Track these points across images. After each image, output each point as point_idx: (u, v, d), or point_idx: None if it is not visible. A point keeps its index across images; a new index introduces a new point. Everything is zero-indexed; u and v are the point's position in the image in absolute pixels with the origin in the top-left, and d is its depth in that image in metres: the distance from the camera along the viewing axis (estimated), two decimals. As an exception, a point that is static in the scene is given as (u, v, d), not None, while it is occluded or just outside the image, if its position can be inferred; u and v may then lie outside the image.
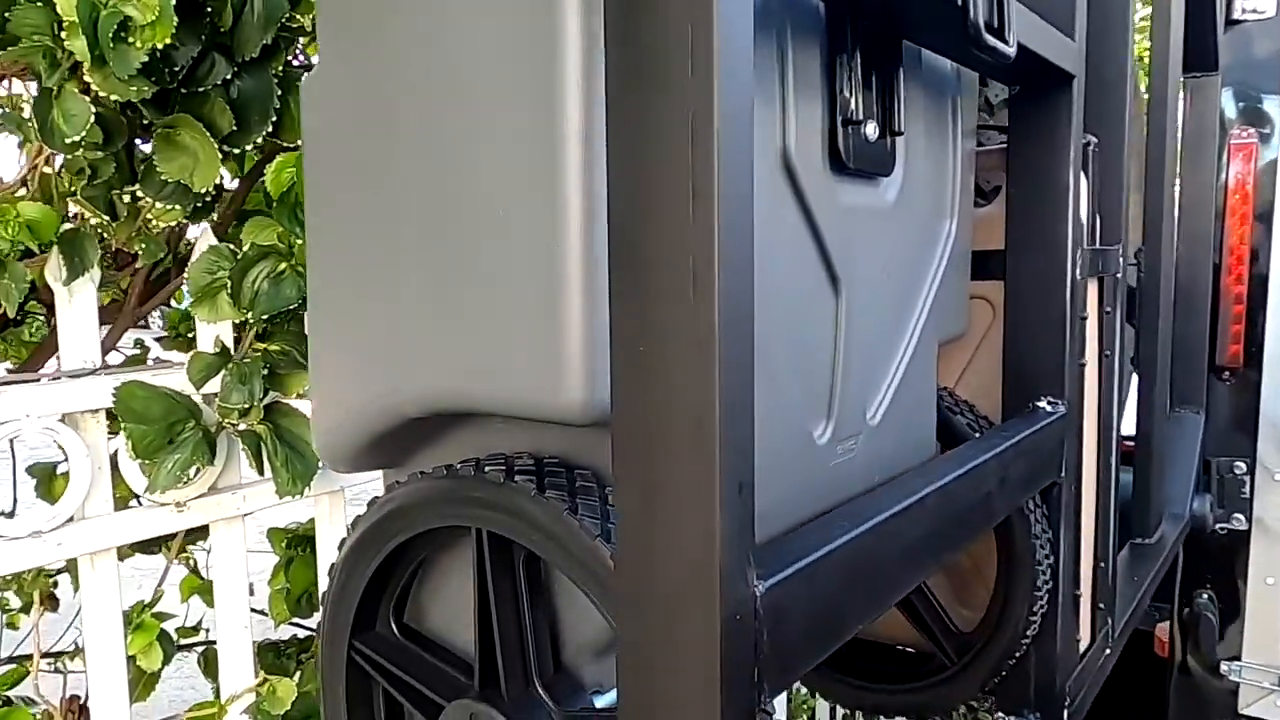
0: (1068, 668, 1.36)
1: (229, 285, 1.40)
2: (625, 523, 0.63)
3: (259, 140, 1.38)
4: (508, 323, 0.76)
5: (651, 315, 0.61)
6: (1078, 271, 1.28)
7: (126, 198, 1.41)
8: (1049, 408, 1.27)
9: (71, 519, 1.38)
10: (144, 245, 1.40)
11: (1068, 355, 1.27)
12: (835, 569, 0.73)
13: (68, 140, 1.16)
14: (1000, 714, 1.33)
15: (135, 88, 1.18)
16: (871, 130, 0.97)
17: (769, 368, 0.87)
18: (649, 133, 0.60)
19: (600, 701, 0.87)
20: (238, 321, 1.48)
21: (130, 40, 1.14)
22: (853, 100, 0.93)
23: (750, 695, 0.63)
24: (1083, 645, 1.46)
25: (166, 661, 1.52)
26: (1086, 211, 1.33)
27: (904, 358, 1.12)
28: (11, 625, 1.70)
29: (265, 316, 1.41)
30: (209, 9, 1.29)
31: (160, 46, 1.16)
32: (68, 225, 1.36)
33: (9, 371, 1.68)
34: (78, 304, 1.42)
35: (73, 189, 1.35)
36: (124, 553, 1.62)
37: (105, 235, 1.41)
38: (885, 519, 0.80)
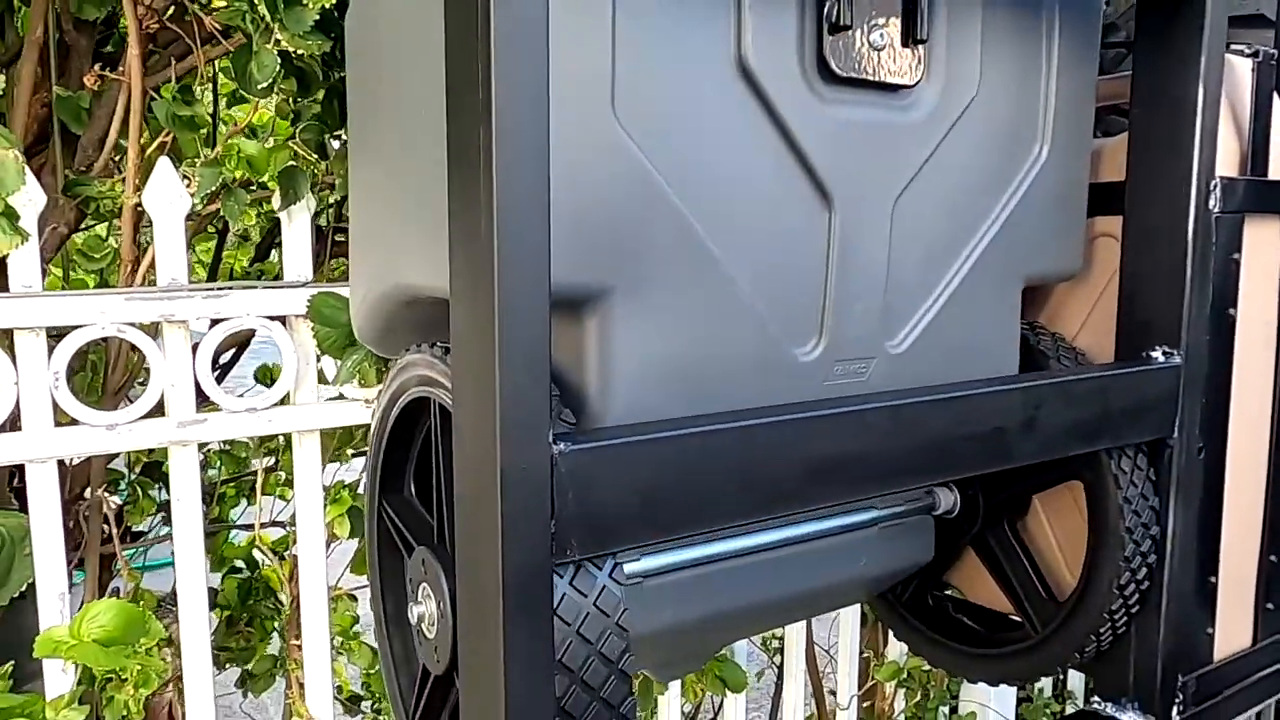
0: (1188, 661, 1.19)
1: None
2: (454, 381, 0.70)
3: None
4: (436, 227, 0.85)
5: (464, 203, 0.68)
6: (1211, 204, 1.11)
7: (335, 142, 1.68)
8: (1161, 357, 1.12)
9: (283, 402, 1.68)
10: (341, 178, 1.66)
11: (1189, 300, 1.11)
12: (685, 457, 0.75)
13: (259, 86, 1.42)
14: (1096, 699, 1.21)
15: (312, 42, 1.41)
16: (879, 38, 0.93)
17: (723, 274, 0.89)
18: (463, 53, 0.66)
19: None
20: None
21: (304, 2, 1.37)
22: (840, 2, 0.90)
23: (543, 545, 0.68)
24: (1234, 644, 1.27)
25: (354, 534, 1.80)
26: (1237, 135, 1.14)
27: (949, 288, 1.05)
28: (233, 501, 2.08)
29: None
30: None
31: (329, 5, 1.38)
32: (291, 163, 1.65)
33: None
34: (295, 228, 1.70)
35: (291, 133, 1.63)
36: (345, 456, 1.93)
37: (316, 172, 1.68)
38: (769, 423, 0.79)
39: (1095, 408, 1.04)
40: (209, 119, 1.47)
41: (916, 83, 0.98)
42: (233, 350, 2.13)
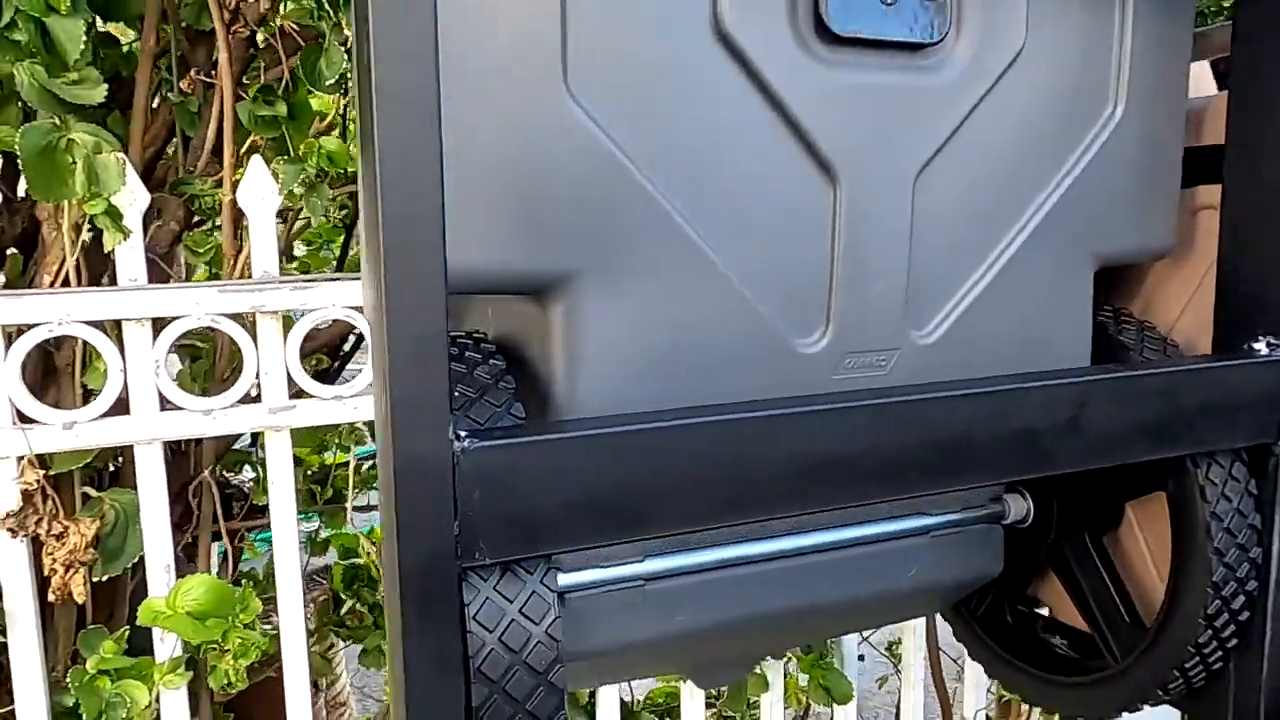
0: (1306, 705, 1.01)
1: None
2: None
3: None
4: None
5: (363, 182, 0.65)
6: (1329, 168, 0.93)
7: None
8: (1266, 350, 0.95)
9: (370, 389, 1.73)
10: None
11: (1300, 281, 0.94)
12: (622, 455, 0.69)
13: (327, 82, 1.46)
14: (1191, 740, 1.05)
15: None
16: (887, -9, 0.83)
17: (706, 258, 0.82)
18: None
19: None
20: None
21: None
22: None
23: (445, 545, 0.64)
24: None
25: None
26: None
27: (992, 270, 0.93)
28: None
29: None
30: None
31: None
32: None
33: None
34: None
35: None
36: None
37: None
38: (725, 421, 0.72)
39: (1168, 407, 0.90)
40: (289, 118, 1.53)
41: (941, 39, 0.87)
42: (355, 338, 2.22)
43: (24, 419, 1.32)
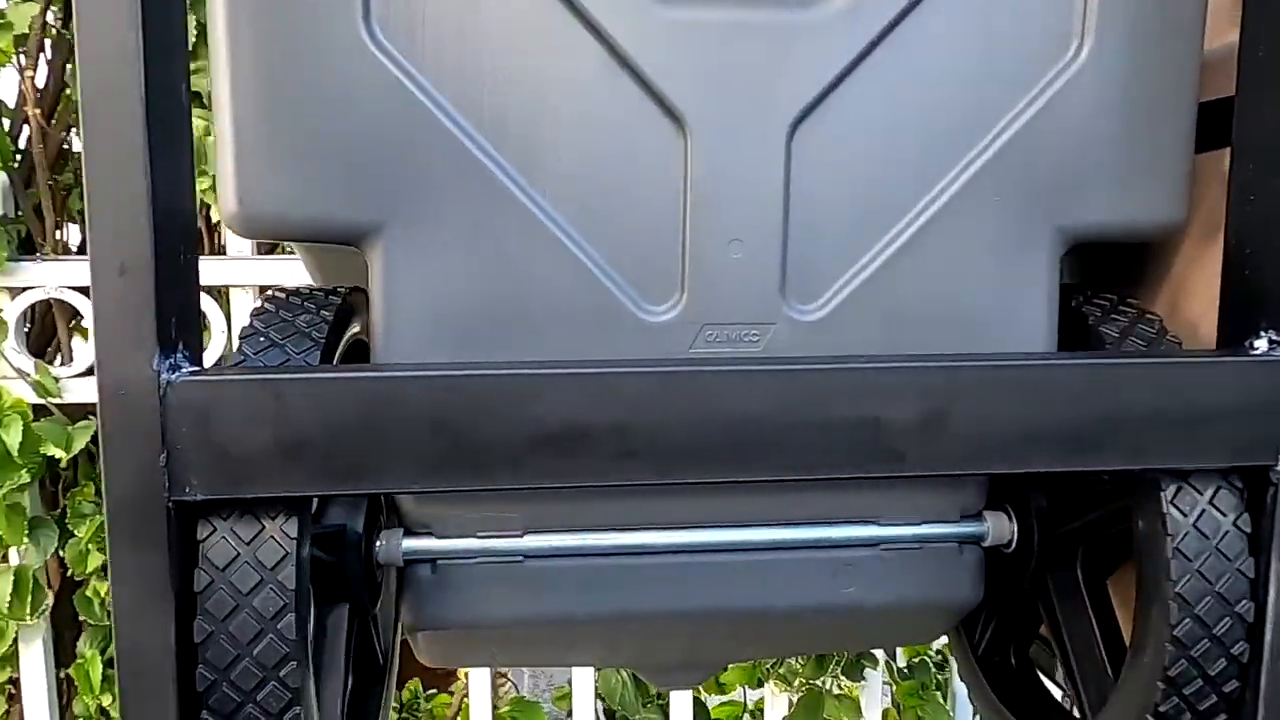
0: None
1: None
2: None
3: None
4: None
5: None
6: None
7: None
8: (1266, 347, 0.75)
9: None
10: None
11: (1309, 262, 0.73)
12: (356, 402, 0.66)
13: None
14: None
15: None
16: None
17: (525, 211, 0.78)
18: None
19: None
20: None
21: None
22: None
23: (153, 478, 0.65)
24: None
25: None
26: None
27: (901, 238, 0.80)
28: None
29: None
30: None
31: None
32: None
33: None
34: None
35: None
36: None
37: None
38: (479, 376, 0.66)
39: (1104, 410, 0.73)
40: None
41: (817, -33, 0.76)
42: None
43: None
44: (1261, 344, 0.75)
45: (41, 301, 1.66)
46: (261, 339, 0.77)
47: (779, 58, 0.77)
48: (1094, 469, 0.74)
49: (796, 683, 1.77)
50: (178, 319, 0.66)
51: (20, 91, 1.55)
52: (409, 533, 0.90)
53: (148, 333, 0.63)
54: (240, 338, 0.77)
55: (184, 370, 0.65)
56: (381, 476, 0.67)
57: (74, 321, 1.77)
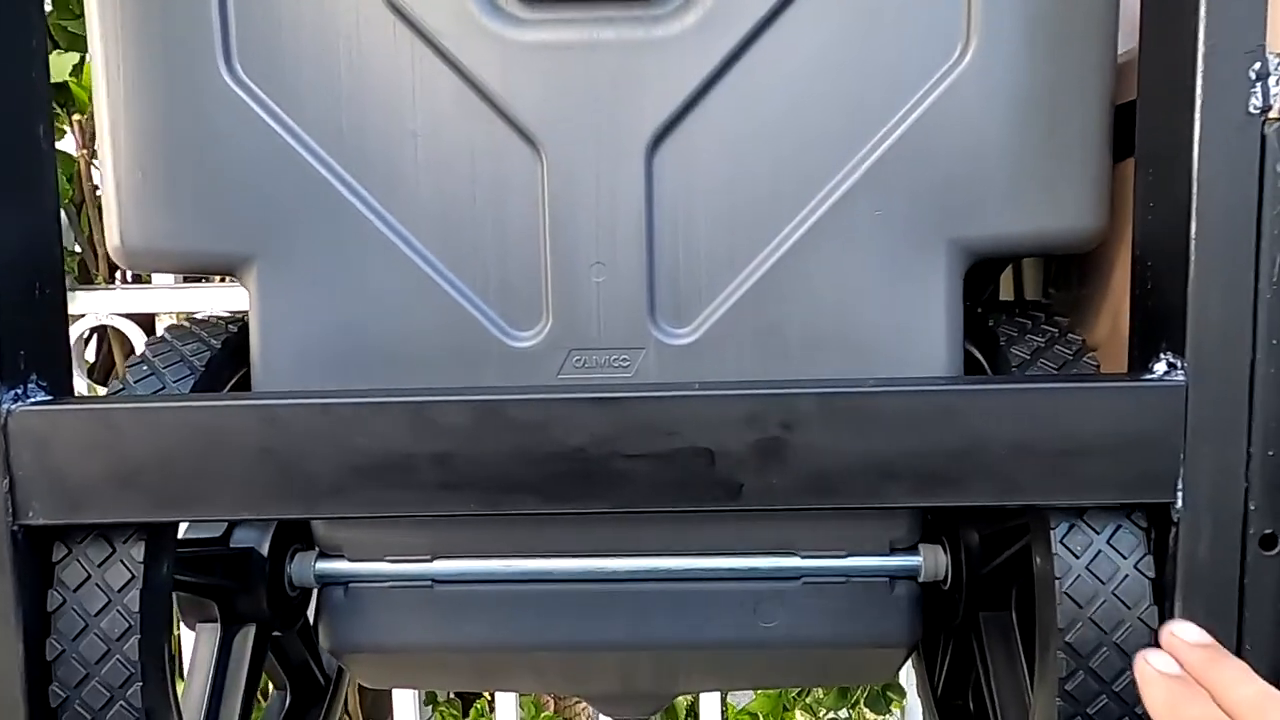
0: None
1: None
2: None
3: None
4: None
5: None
6: (1252, 100, 0.63)
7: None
8: (1163, 369, 0.68)
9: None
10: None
11: (1202, 273, 0.65)
12: (183, 431, 0.68)
13: None
14: None
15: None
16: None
17: (386, 242, 0.78)
18: None
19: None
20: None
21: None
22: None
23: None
24: None
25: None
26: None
27: (774, 257, 0.77)
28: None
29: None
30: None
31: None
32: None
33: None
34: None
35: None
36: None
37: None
38: (298, 405, 0.66)
39: (963, 441, 0.67)
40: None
41: (667, -20, 0.73)
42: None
43: None
44: (1160, 366, 0.67)
45: (100, 328, 1.78)
46: (144, 368, 0.80)
47: (633, 76, 0.75)
48: (954, 504, 0.68)
49: (823, 713, 1.71)
50: (28, 351, 0.70)
51: (72, 135, 1.69)
52: (322, 555, 0.91)
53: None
54: (127, 366, 0.81)
55: (28, 401, 0.68)
56: (211, 504, 0.68)
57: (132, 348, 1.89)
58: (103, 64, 0.77)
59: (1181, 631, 0.62)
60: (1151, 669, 0.60)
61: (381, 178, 0.78)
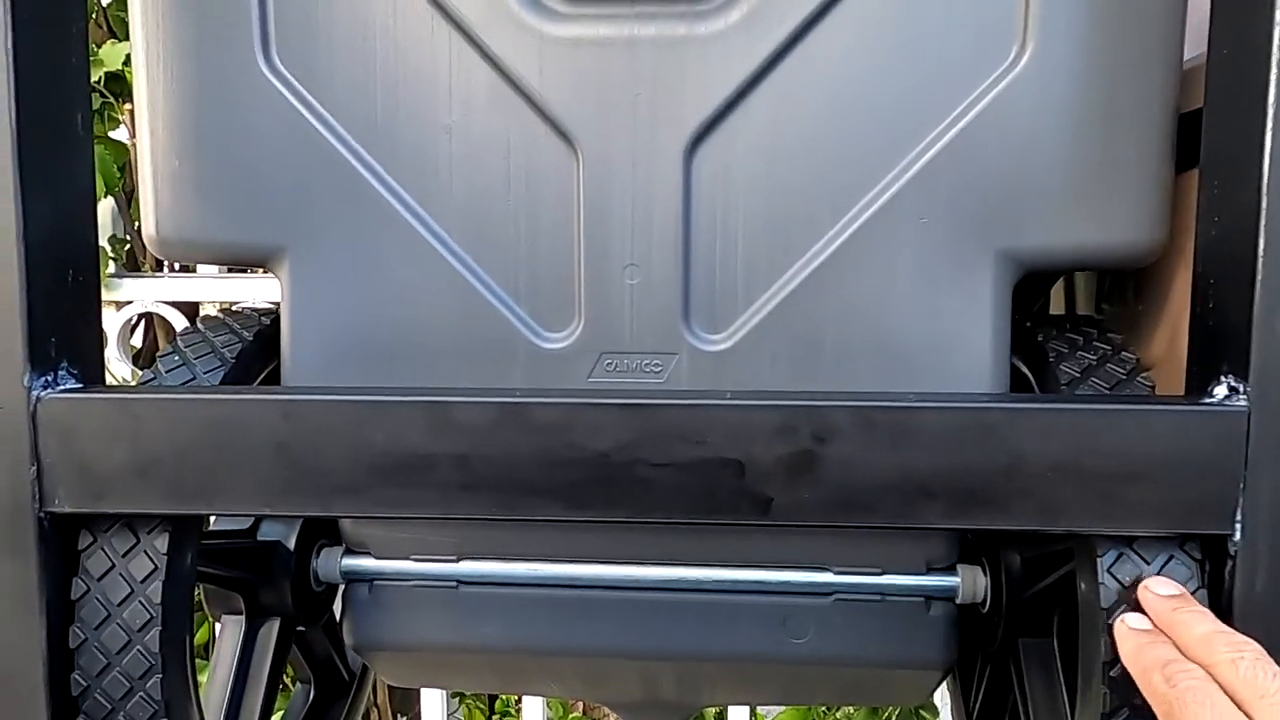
0: None
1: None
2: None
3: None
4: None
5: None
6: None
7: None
8: (1225, 394, 0.64)
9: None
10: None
11: (1277, 299, 0.61)
12: (205, 423, 0.67)
13: None
14: None
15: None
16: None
17: (417, 236, 0.77)
18: None
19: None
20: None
21: None
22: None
23: (24, 489, 0.69)
24: None
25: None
26: None
27: (812, 265, 0.74)
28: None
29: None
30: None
31: None
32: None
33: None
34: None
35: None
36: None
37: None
38: (315, 401, 0.65)
39: (1005, 462, 0.64)
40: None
41: (710, -24, 0.71)
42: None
43: None
44: (1220, 390, 0.64)
45: (146, 315, 1.80)
46: (176, 358, 0.80)
47: (673, 74, 0.73)
48: (994, 528, 0.65)
49: (855, 730, 1.67)
50: (58, 338, 0.70)
51: (125, 125, 1.71)
52: (348, 551, 0.91)
53: (18, 351, 0.67)
54: (158, 357, 0.81)
55: (57, 388, 0.68)
56: (228, 498, 0.67)
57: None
58: (143, 53, 0.77)
59: (1154, 585, 0.64)
60: (1125, 626, 0.63)
61: (415, 172, 0.76)
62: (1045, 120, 0.71)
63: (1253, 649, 0.57)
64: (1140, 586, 0.64)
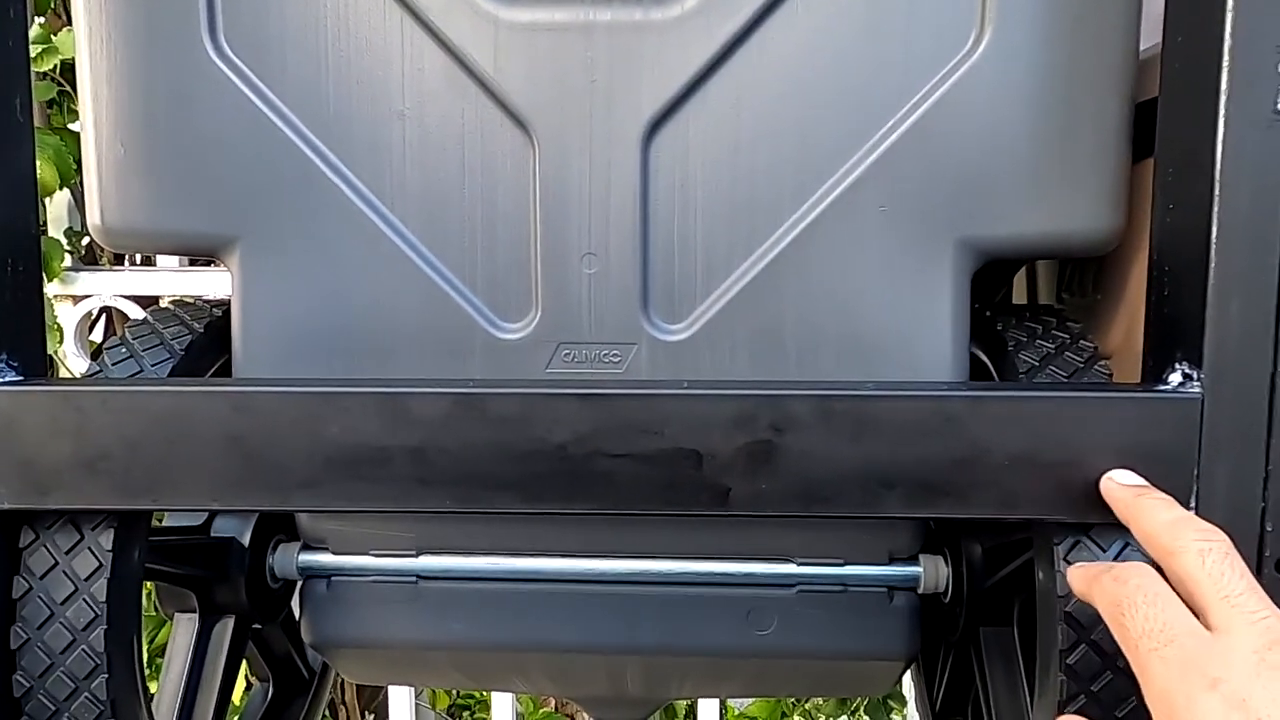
0: None
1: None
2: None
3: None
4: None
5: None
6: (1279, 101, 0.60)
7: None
8: (1178, 381, 0.64)
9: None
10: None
11: (1221, 280, 0.61)
12: (150, 417, 0.65)
13: None
14: None
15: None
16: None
17: (371, 227, 0.75)
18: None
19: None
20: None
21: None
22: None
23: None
24: None
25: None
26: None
27: (771, 253, 0.74)
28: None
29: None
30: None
31: None
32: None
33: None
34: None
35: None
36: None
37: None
38: (265, 394, 0.64)
39: (961, 451, 0.64)
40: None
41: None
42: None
43: None
44: (1175, 377, 0.64)
45: (106, 309, 1.77)
46: (122, 350, 0.78)
47: (630, 60, 0.72)
48: (953, 516, 0.65)
49: (822, 719, 1.68)
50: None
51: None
52: (305, 547, 0.89)
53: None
54: (104, 349, 0.79)
55: (-4, 381, 0.66)
56: (177, 493, 0.66)
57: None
58: (86, 37, 0.75)
59: (1117, 475, 0.60)
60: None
61: (368, 160, 0.75)
62: (1003, 108, 0.71)
63: (1222, 540, 0.52)
64: (1104, 478, 0.61)
